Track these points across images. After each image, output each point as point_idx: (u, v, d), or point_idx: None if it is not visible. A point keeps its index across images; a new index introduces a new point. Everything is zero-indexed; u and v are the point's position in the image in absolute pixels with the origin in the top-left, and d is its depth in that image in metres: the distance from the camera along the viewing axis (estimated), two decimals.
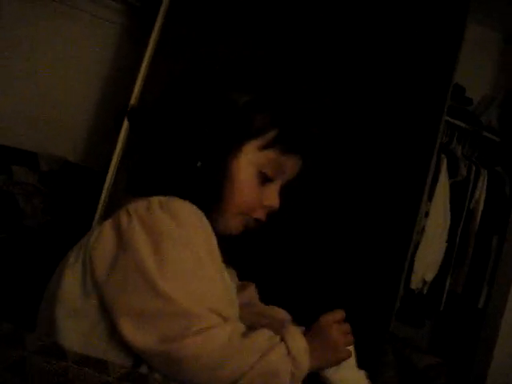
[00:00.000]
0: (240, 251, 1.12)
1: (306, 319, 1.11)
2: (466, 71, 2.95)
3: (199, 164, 0.94)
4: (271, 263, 2.23)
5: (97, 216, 2.13)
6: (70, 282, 0.85)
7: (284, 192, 1.06)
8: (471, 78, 3.27)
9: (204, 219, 0.88)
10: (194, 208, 0.87)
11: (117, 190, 2.13)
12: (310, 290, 2.28)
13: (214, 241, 0.88)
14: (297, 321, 1.34)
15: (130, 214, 0.84)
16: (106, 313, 0.82)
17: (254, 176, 0.99)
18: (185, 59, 2.20)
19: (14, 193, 2.42)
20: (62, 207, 2.52)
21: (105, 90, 2.95)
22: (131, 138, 2.13)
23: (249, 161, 0.97)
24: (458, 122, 3.12)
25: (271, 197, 1.03)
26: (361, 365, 1.27)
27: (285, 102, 1.04)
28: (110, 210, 1.94)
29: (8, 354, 0.68)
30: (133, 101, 2.15)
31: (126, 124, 2.13)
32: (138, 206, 0.85)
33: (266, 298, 1.40)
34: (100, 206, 2.13)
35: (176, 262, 0.81)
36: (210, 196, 0.95)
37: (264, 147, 0.98)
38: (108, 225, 0.86)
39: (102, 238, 0.84)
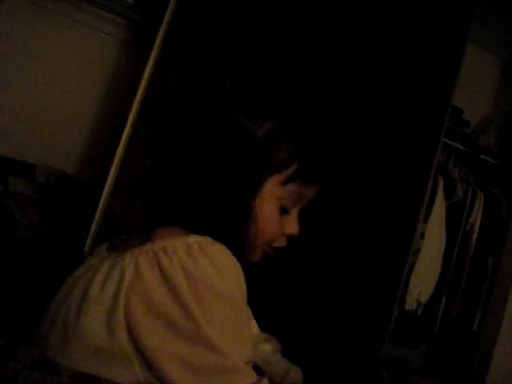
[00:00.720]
0: None
1: (300, 340, 1.11)
2: (464, 93, 2.97)
3: (222, 201, 0.91)
4: (266, 282, 2.23)
5: (92, 229, 2.12)
6: (94, 318, 0.80)
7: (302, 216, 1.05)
8: (469, 100, 3.30)
9: (238, 265, 0.85)
10: (230, 254, 0.84)
11: (113, 203, 2.13)
12: (303, 310, 2.28)
13: (245, 287, 0.86)
14: (289, 342, 1.34)
15: (168, 253, 0.80)
16: (138, 353, 0.77)
17: (275, 210, 0.97)
18: (186, 74, 2.20)
19: (10, 204, 2.41)
20: (58, 219, 2.51)
21: (104, 104, 2.96)
22: (129, 153, 2.13)
23: (270, 196, 0.95)
24: (455, 144, 3.14)
25: (292, 225, 1.03)
26: None
27: (302, 130, 1.01)
28: (109, 226, 1.92)
29: (2, 368, 0.67)
30: (132, 115, 2.15)
31: (123, 137, 2.15)
32: (176, 246, 0.80)
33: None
34: (96, 219, 2.13)
35: (220, 315, 0.79)
36: (233, 233, 0.92)
37: (285, 182, 0.95)
38: (145, 264, 0.80)
39: (142, 278, 0.78)
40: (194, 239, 0.82)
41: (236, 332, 0.81)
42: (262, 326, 1.36)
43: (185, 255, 0.79)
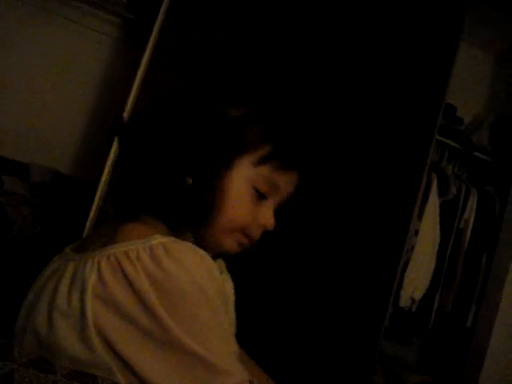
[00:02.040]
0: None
1: (295, 338, 1.11)
2: (458, 91, 2.98)
3: (190, 180, 0.90)
4: (260, 276, 2.23)
5: (87, 228, 2.12)
6: (67, 333, 0.78)
7: (280, 212, 1.03)
8: (463, 97, 3.31)
9: (208, 260, 0.82)
10: (198, 251, 0.82)
11: (107, 201, 2.12)
12: (298, 307, 2.28)
13: (218, 282, 0.84)
14: (283, 339, 1.34)
15: (130, 258, 0.78)
16: (117, 360, 0.76)
17: (246, 191, 0.95)
18: (179, 72, 2.20)
19: (4, 203, 2.40)
20: (52, 218, 2.51)
21: (98, 102, 2.95)
22: (119, 152, 2.13)
23: (241, 176, 0.94)
24: (448, 141, 3.15)
25: (266, 215, 0.99)
26: (350, 383, 1.27)
27: (278, 115, 1.00)
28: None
29: None
30: (126, 113, 2.15)
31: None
32: (140, 250, 0.79)
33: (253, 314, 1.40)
34: (90, 218, 2.13)
35: (193, 317, 0.78)
36: (201, 213, 0.91)
37: (257, 162, 0.94)
38: (107, 270, 0.78)
39: (106, 286, 0.76)
40: (157, 241, 0.80)
41: (213, 330, 0.80)
42: (257, 324, 1.36)
43: (148, 260, 0.77)
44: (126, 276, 0.76)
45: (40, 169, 2.66)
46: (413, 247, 2.89)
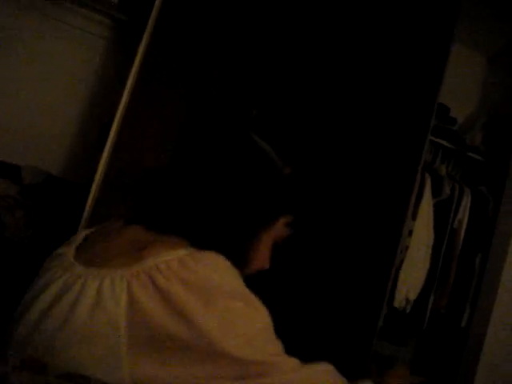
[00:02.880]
0: None
1: (289, 338, 1.11)
2: (451, 91, 2.98)
3: (240, 226, 0.92)
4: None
5: (79, 230, 2.11)
6: (87, 357, 0.76)
7: None
8: (456, 97, 3.31)
9: (229, 262, 0.85)
10: (219, 255, 0.84)
11: (100, 204, 2.11)
12: (292, 307, 2.27)
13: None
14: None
15: (162, 271, 0.78)
16: None
17: (270, 247, 1.02)
18: (172, 74, 2.19)
19: None
20: (45, 220, 2.49)
21: (90, 104, 2.94)
22: (116, 153, 2.12)
23: (272, 234, 1.00)
24: (442, 142, 3.16)
25: (268, 260, 1.06)
26: None
27: (308, 182, 1.04)
28: (94, 224, 1.91)
29: None
30: (118, 115, 2.14)
31: (110, 138, 2.13)
32: (169, 262, 0.80)
33: None
34: (83, 220, 2.11)
35: (230, 314, 0.79)
36: (235, 259, 0.91)
37: (288, 224, 1.00)
38: (139, 288, 0.77)
39: (139, 305, 0.76)
40: (183, 252, 0.82)
41: (252, 326, 0.82)
42: None
43: (179, 267, 0.79)
44: (158, 289, 0.76)
45: (32, 171, 2.64)
46: (407, 247, 2.89)
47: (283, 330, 1.46)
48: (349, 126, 2.38)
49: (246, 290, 0.84)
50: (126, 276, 0.79)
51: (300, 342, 2.27)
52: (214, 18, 2.26)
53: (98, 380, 0.73)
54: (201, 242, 0.87)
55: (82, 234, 1.02)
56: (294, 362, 0.86)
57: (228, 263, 0.84)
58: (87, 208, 2.12)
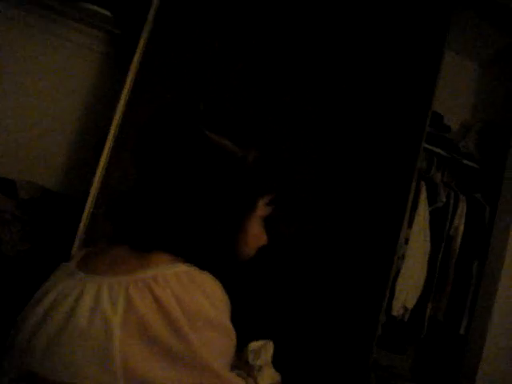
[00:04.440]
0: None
1: (288, 348, 1.14)
2: (444, 99, 3.00)
3: (218, 228, 0.95)
4: (254, 279, 2.22)
5: (76, 244, 2.11)
6: (85, 354, 0.80)
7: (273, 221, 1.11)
8: (449, 105, 3.33)
9: (224, 292, 0.91)
10: (217, 282, 0.90)
11: (96, 217, 2.11)
12: (291, 317, 2.27)
13: (229, 311, 0.93)
14: (277, 349, 1.36)
15: (159, 282, 0.83)
16: None
17: (259, 224, 1.05)
18: (166, 86, 2.20)
19: None
20: (41, 235, 2.49)
21: (85, 118, 2.94)
22: (111, 167, 2.12)
23: (257, 216, 1.03)
24: (436, 149, 3.16)
25: (264, 237, 1.08)
26: None
27: (277, 156, 1.07)
28: (92, 241, 1.91)
29: None
30: (113, 128, 2.14)
31: (105, 151, 2.14)
32: (167, 276, 0.84)
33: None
34: (78, 234, 2.11)
35: (213, 340, 0.85)
36: (226, 251, 0.99)
37: (268, 204, 1.03)
38: (137, 294, 0.82)
39: (135, 308, 0.80)
40: (181, 268, 0.86)
41: (227, 355, 0.89)
42: (250, 333, 1.35)
43: (176, 284, 0.83)
44: (156, 298, 0.81)
45: (28, 185, 2.64)
46: (403, 255, 2.89)
47: (283, 339, 1.47)
48: (344, 136, 2.39)
49: (226, 323, 0.88)
50: (125, 282, 0.83)
51: (299, 352, 2.27)
52: (206, 32, 2.27)
53: None
54: (184, 252, 0.91)
55: (82, 251, 1.04)
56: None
57: (220, 288, 0.89)
58: (83, 222, 2.12)
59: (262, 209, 1.02)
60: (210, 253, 0.95)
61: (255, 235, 1.04)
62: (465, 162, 3.24)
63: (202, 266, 0.90)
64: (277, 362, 1.52)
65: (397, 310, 2.88)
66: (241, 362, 1.28)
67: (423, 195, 2.96)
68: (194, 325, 0.82)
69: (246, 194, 0.97)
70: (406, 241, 2.89)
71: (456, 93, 3.44)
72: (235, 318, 0.93)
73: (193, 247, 0.93)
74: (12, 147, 2.78)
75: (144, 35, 2.22)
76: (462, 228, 3.09)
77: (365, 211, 2.38)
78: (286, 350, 2.23)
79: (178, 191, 0.93)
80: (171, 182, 0.93)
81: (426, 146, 2.97)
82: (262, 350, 1.34)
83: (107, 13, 2.64)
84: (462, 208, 3.10)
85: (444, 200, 3.04)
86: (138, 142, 0.99)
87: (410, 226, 2.89)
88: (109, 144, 2.14)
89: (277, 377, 1.36)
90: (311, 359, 2.29)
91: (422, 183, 2.98)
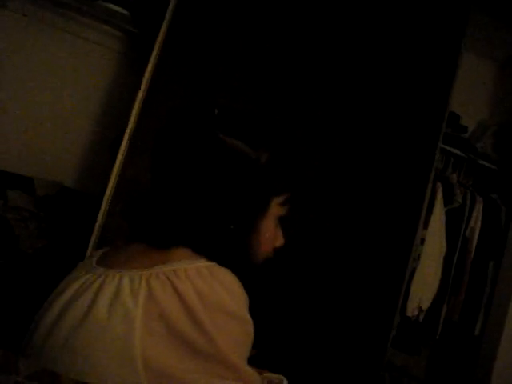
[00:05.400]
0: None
1: (303, 348, 1.16)
2: (461, 99, 2.98)
3: (232, 227, 0.96)
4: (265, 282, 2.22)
5: (92, 240, 2.12)
6: (103, 346, 0.82)
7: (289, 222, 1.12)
8: (466, 105, 3.31)
9: (243, 287, 0.92)
10: (235, 276, 0.91)
11: (111, 214, 2.13)
12: (306, 317, 2.27)
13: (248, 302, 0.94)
14: (291, 349, 1.37)
15: (180, 276, 0.85)
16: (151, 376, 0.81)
17: (274, 226, 1.06)
18: (183, 85, 2.21)
19: (9, 218, 2.41)
20: (58, 232, 2.51)
21: (101, 116, 2.96)
22: (127, 164, 2.14)
23: (271, 216, 1.03)
24: (453, 150, 3.15)
25: (281, 238, 1.10)
26: None
27: (289, 161, 1.09)
28: (108, 238, 1.92)
29: (1, 380, 0.67)
30: (130, 126, 2.16)
31: (121, 149, 2.15)
32: (188, 270, 0.86)
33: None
34: (95, 231, 2.13)
35: (233, 334, 0.87)
36: (243, 253, 1.01)
37: (282, 204, 1.04)
38: (158, 286, 0.84)
39: (157, 300, 0.82)
40: (202, 263, 0.88)
41: (245, 348, 0.91)
42: (264, 332, 1.36)
43: (197, 278, 0.85)
44: (176, 291, 0.82)
45: (45, 182, 2.67)
46: (419, 256, 2.88)
47: (298, 339, 1.47)
48: (362, 136, 2.38)
49: (245, 315, 0.90)
50: (146, 275, 0.85)
51: (314, 352, 2.27)
52: (224, 29, 2.28)
53: None
54: (202, 249, 0.93)
55: (100, 250, 1.05)
56: (257, 375, 0.95)
57: (239, 283, 0.91)
58: (99, 219, 2.14)
59: (276, 208, 1.03)
60: (225, 251, 0.95)
61: (270, 235, 1.04)
62: (481, 162, 3.22)
63: (222, 264, 0.91)
64: (292, 361, 1.54)
65: (411, 310, 2.87)
66: None
67: (439, 196, 2.94)
68: (214, 317, 0.83)
69: (258, 193, 0.99)
70: (422, 241, 2.88)
71: (473, 93, 3.42)
72: (253, 317, 0.94)
73: (209, 245, 0.94)
74: (30, 145, 2.81)
75: (161, 34, 2.22)
76: (478, 229, 3.07)
77: (381, 211, 2.37)
78: (300, 349, 2.24)
79: (193, 191, 0.94)
80: (187, 183, 0.95)
81: (443, 146, 2.95)
82: None
83: (125, 12, 2.66)
84: (479, 209, 3.08)
85: (460, 201, 3.02)
86: (155, 145, 1.01)
87: (425, 226, 2.88)
88: (125, 142, 2.15)
89: None
90: (326, 359, 2.29)
91: (438, 184, 2.97)
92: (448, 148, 3.12)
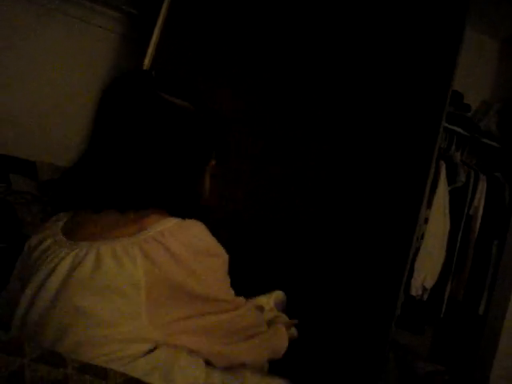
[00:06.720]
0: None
1: (307, 328, 1.21)
2: (465, 78, 2.96)
3: (189, 182, 1.08)
4: (274, 267, 2.23)
5: None
6: (113, 307, 0.91)
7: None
8: (469, 84, 3.29)
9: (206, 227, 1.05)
10: (199, 221, 1.02)
11: None
12: (310, 297, 2.28)
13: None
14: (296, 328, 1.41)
15: (166, 236, 0.95)
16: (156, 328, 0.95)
17: (209, 183, 1.19)
18: (184, 67, 2.20)
19: (13, 202, 2.41)
20: None
21: None
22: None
23: (209, 169, 1.17)
24: (456, 128, 3.13)
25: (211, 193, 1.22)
26: (363, 372, 1.30)
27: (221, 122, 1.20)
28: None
29: (7, 362, 0.67)
30: None
31: None
32: (171, 229, 0.96)
33: None
34: None
35: (219, 272, 1.04)
36: (196, 200, 1.11)
37: (218, 162, 1.19)
38: (153, 250, 0.93)
39: (156, 263, 0.92)
40: (175, 220, 0.99)
41: (227, 278, 1.07)
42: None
43: (179, 233, 0.96)
44: (168, 250, 0.93)
45: (48, 167, 2.66)
46: (423, 235, 2.88)
47: (303, 319, 1.48)
48: (365, 116, 2.37)
49: (216, 245, 1.03)
50: (136, 242, 0.94)
51: (319, 331, 2.28)
52: (224, 11, 2.26)
53: (115, 371, 0.75)
54: (168, 205, 1.02)
55: (62, 218, 1.13)
56: (242, 299, 1.13)
57: (205, 228, 1.02)
58: None
59: (211, 168, 1.17)
60: (187, 203, 1.05)
61: (207, 187, 1.18)
62: (485, 140, 3.20)
63: (186, 216, 1.01)
64: (297, 342, 1.54)
65: (416, 289, 2.88)
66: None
67: (443, 175, 2.93)
68: (201, 261, 0.97)
69: (202, 142, 1.08)
70: (426, 220, 2.88)
71: (476, 71, 3.40)
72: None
73: (172, 199, 1.03)
74: (32, 129, 2.80)
75: (162, 15, 2.21)
76: (481, 207, 3.07)
77: (385, 191, 2.37)
78: (306, 330, 2.25)
79: (146, 149, 1.00)
80: (134, 141, 1.00)
81: (446, 125, 2.94)
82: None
83: None
84: (482, 187, 3.07)
85: (464, 180, 3.01)
86: (99, 109, 1.08)
87: (429, 205, 2.87)
88: None
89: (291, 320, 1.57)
90: (331, 339, 2.30)
91: (442, 162, 2.95)
92: (451, 127, 3.10)
